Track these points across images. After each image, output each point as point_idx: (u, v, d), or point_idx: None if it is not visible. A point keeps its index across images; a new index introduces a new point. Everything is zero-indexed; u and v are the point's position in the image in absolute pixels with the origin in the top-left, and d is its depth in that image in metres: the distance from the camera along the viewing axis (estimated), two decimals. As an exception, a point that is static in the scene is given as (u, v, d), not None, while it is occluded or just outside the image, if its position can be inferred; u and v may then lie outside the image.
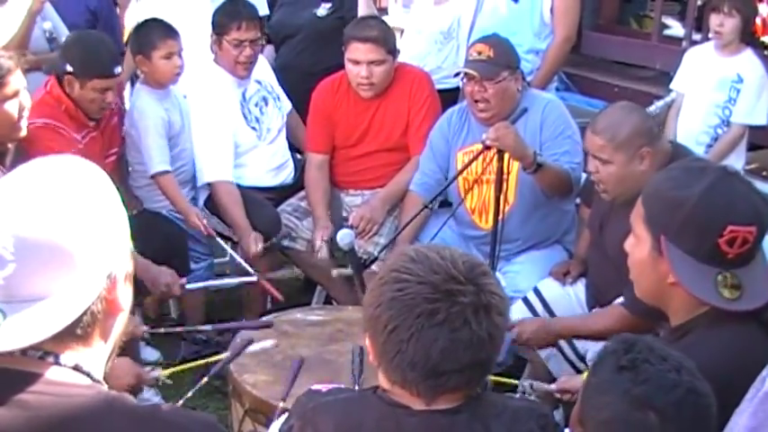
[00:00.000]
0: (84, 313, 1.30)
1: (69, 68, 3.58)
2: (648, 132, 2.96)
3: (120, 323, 1.41)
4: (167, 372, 3.01)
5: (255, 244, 3.83)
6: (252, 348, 2.98)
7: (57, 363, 1.31)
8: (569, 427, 1.76)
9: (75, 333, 1.31)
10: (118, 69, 3.61)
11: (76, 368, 1.32)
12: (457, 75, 3.75)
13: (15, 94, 3.12)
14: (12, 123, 3.13)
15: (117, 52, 3.75)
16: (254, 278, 3.55)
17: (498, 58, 3.59)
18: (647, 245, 1.97)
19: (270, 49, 5.00)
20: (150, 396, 3.56)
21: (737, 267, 1.89)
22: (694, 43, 5.09)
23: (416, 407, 1.55)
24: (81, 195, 1.33)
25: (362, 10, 4.83)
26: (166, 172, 3.92)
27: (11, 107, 3.11)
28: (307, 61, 4.82)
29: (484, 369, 1.57)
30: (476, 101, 3.64)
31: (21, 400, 1.27)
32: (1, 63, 3.07)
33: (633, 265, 2.05)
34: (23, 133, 3.19)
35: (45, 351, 1.31)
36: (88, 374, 1.34)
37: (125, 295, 1.38)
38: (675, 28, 6.27)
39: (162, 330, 3.39)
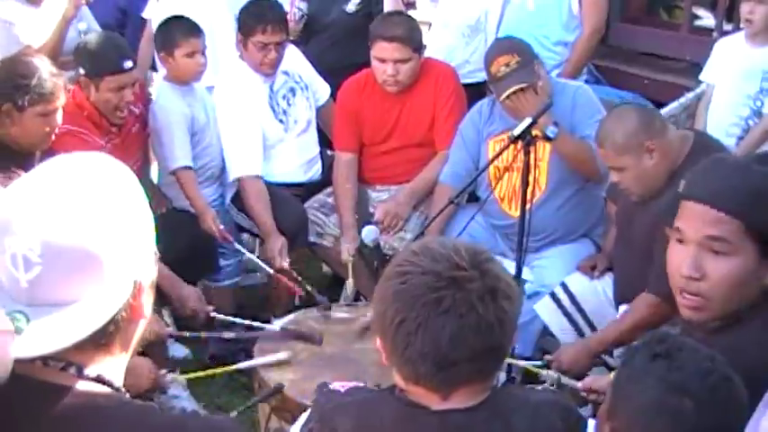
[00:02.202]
0: (110, 321, 1.28)
1: (82, 71, 3.61)
2: (646, 127, 2.96)
3: (141, 329, 1.39)
4: (184, 377, 3.04)
5: (281, 256, 3.82)
6: (266, 360, 2.99)
7: (80, 374, 1.29)
8: (597, 423, 1.73)
9: (99, 342, 1.29)
10: (128, 64, 3.60)
11: (99, 379, 1.30)
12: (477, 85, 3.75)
13: (55, 111, 3.19)
14: (43, 136, 3.19)
15: (126, 48, 3.74)
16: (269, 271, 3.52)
17: (524, 57, 3.58)
18: (749, 254, 1.81)
19: None
20: (179, 392, 3.57)
21: None
22: (725, 34, 5.00)
23: (435, 406, 1.54)
24: (110, 197, 1.31)
25: (389, 5, 4.81)
26: (188, 168, 3.92)
27: (48, 122, 3.18)
28: (336, 57, 4.79)
29: (496, 356, 1.54)
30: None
31: (44, 413, 1.26)
32: (47, 79, 3.13)
33: (725, 281, 1.83)
34: (49, 145, 3.24)
35: (68, 362, 1.29)
36: (110, 384, 1.32)
37: (148, 302, 1.36)
38: (706, 18, 6.17)
39: (186, 334, 3.40)
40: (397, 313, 1.49)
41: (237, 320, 3.51)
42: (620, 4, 6.64)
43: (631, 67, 5.98)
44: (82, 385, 1.29)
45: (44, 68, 3.15)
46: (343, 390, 1.71)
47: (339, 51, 4.83)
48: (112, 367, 1.34)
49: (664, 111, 4.81)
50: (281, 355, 2.98)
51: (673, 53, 5.84)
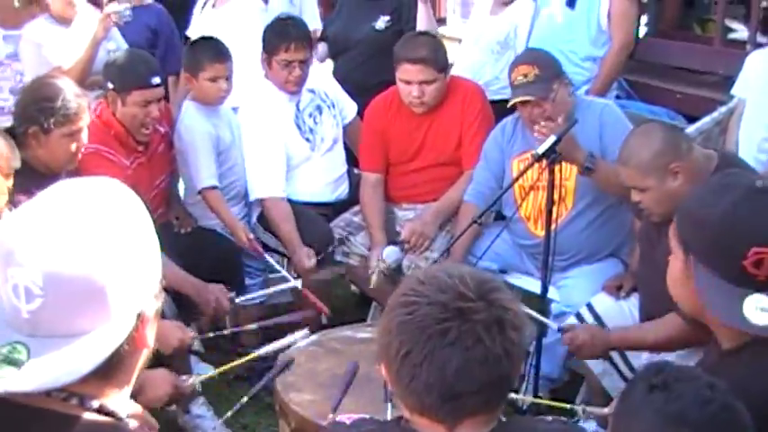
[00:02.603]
0: (113, 354, 1.26)
1: (110, 86, 3.64)
2: (672, 149, 2.88)
3: (143, 358, 1.38)
4: (202, 378, 3.03)
5: (308, 258, 3.82)
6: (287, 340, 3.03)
7: (82, 404, 1.28)
8: None
9: (101, 374, 1.27)
10: (156, 80, 3.63)
11: (102, 409, 1.29)
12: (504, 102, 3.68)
13: (80, 131, 3.23)
14: (69, 157, 3.24)
15: (155, 65, 3.78)
16: (297, 283, 3.50)
17: (545, 71, 3.55)
18: (680, 261, 1.90)
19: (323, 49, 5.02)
20: (203, 412, 3.57)
21: None
22: (759, 46, 4.93)
23: None
24: (115, 226, 1.28)
25: (423, 23, 4.77)
26: (214, 187, 3.93)
27: (73, 143, 3.22)
28: (365, 75, 4.79)
29: (503, 388, 1.51)
30: (533, 121, 3.57)
31: None
32: (71, 100, 3.18)
33: (669, 280, 1.97)
34: (75, 165, 3.29)
35: (69, 392, 1.27)
36: (113, 414, 1.31)
37: (152, 332, 1.35)
38: (740, 31, 6.10)
39: (209, 335, 3.44)
40: (402, 345, 1.47)
41: (262, 295, 3.67)
42: (653, 19, 6.59)
43: (664, 81, 5.93)
44: (85, 415, 1.28)
45: (68, 90, 3.19)
46: (348, 422, 1.68)
47: (368, 69, 4.83)
48: (115, 396, 1.33)
49: (695, 126, 4.76)
50: (300, 333, 3.03)
51: (705, 67, 5.78)
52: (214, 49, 3.96)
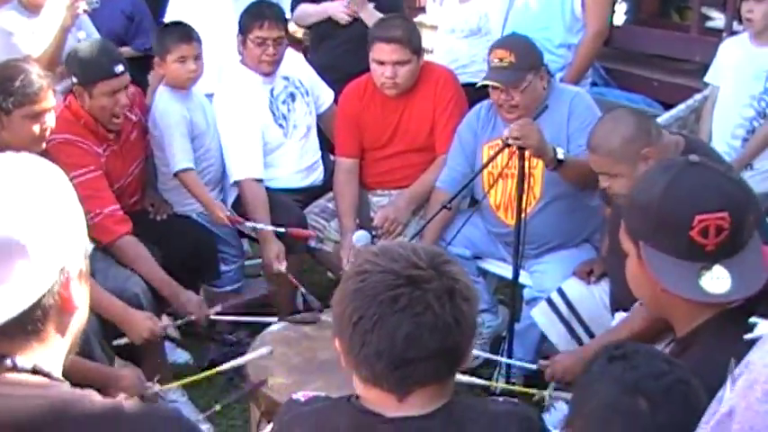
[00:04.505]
0: (36, 307, 1.28)
1: (74, 80, 3.61)
2: (643, 133, 2.89)
3: (78, 321, 1.39)
4: (172, 385, 3.14)
5: (278, 260, 3.82)
6: (248, 357, 3.02)
7: (13, 366, 1.29)
8: None
9: (27, 329, 1.30)
10: (119, 68, 3.59)
11: (35, 370, 1.31)
12: (482, 86, 3.65)
13: (43, 113, 3.18)
14: (32, 139, 3.18)
15: (116, 52, 3.76)
16: (275, 319, 3.52)
17: (521, 61, 3.53)
18: (633, 256, 1.92)
19: None
20: (177, 397, 3.59)
21: (724, 258, 1.81)
22: (735, 34, 4.95)
23: (390, 413, 1.53)
24: (34, 191, 1.31)
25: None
26: (190, 169, 3.93)
27: (35, 125, 3.17)
28: (348, 62, 4.78)
29: (452, 357, 1.52)
30: (501, 106, 3.59)
31: None
32: (34, 80, 3.14)
33: (629, 280, 1.99)
34: (41, 148, 3.23)
35: (1, 354, 1.29)
36: (48, 375, 1.32)
37: (80, 293, 1.36)
38: (717, 20, 6.13)
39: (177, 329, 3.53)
40: (354, 311, 1.49)
41: (240, 319, 3.58)
42: (632, 7, 6.62)
43: (641, 69, 5.97)
44: (16, 375, 1.29)
45: (31, 71, 3.15)
46: (303, 399, 1.70)
47: (352, 56, 4.80)
48: (48, 357, 1.34)
49: (671, 113, 4.79)
50: (263, 350, 3.00)
51: (683, 55, 5.82)
52: (179, 31, 3.96)
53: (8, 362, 1.29)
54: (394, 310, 1.46)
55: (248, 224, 3.94)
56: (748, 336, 1.65)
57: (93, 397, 1.33)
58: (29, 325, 1.30)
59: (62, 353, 1.38)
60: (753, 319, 1.77)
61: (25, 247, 1.26)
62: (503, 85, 3.53)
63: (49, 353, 1.35)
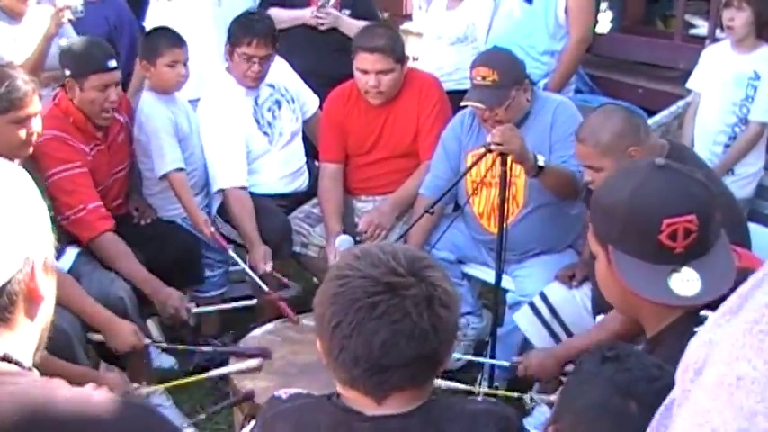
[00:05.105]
0: (1, 294, 1.30)
1: (67, 72, 3.64)
2: (633, 131, 2.92)
3: (45, 312, 1.41)
4: (157, 387, 3.16)
5: (264, 261, 3.83)
6: (238, 367, 3.05)
7: None
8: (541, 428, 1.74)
9: None
10: (112, 63, 3.63)
11: (5, 358, 1.32)
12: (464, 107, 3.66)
13: (28, 118, 3.19)
14: (19, 144, 3.19)
15: (110, 48, 3.79)
16: (254, 302, 3.52)
17: (504, 78, 3.51)
18: (602, 259, 1.94)
19: None
20: (162, 401, 3.59)
21: (693, 260, 1.82)
22: (717, 41, 5.00)
23: (368, 411, 1.54)
24: None
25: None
26: (180, 170, 3.95)
27: (22, 130, 3.18)
28: (331, 68, 4.79)
29: (430, 364, 1.54)
30: (485, 120, 3.61)
31: None
32: (19, 86, 3.15)
33: (599, 282, 2.01)
34: (29, 152, 3.25)
35: None
36: (18, 363, 1.34)
37: (45, 284, 1.38)
38: (701, 27, 6.18)
39: (164, 345, 3.58)
40: (333, 316, 1.51)
41: (220, 307, 3.61)
42: (617, 15, 6.67)
43: (626, 76, 6.00)
44: None
45: (16, 76, 3.16)
46: (285, 396, 1.72)
47: (333, 63, 4.82)
48: (18, 345, 1.36)
49: (654, 119, 4.82)
50: (252, 363, 3.01)
51: (666, 62, 5.85)
52: (170, 36, 3.98)
53: None
54: (372, 317, 1.47)
55: (231, 252, 3.94)
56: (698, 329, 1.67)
57: (63, 387, 1.34)
58: None
59: (32, 343, 1.40)
60: (703, 313, 1.77)
61: None
62: (486, 105, 3.52)
63: (19, 341, 1.36)
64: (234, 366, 3.04)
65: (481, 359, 3.35)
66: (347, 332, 1.49)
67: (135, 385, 2.97)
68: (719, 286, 1.78)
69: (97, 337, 3.29)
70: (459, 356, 3.39)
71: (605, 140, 2.91)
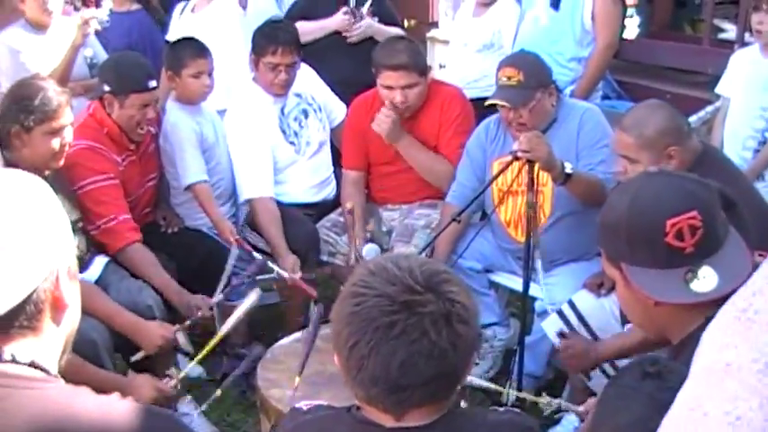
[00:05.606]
0: (28, 302, 1.33)
1: (107, 88, 3.68)
2: (676, 131, 2.90)
3: (70, 319, 1.43)
4: (182, 375, 3.14)
5: (293, 271, 3.82)
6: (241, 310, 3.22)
7: (12, 359, 1.33)
8: None
9: (23, 324, 1.34)
10: (152, 83, 3.69)
11: (32, 364, 1.34)
12: (491, 105, 3.63)
13: (62, 129, 3.25)
14: (52, 155, 3.26)
15: (151, 68, 3.82)
16: (276, 300, 3.52)
17: (529, 79, 3.51)
18: (619, 281, 1.91)
19: None
20: (189, 410, 3.60)
21: (706, 258, 1.80)
22: (746, 46, 4.95)
23: (388, 424, 1.53)
24: (18, 201, 1.36)
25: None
26: (204, 182, 3.97)
27: (55, 141, 3.24)
28: (358, 76, 4.79)
29: (449, 381, 1.51)
30: (509, 123, 3.59)
31: None
32: (52, 98, 3.22)
33: (623, 307, 2.00)
34: (60, 163, 3.31)
35: None
36: (45, 370, 1.36)
37: (70, 292, 1.40)
38: (730, 31, 6.12)
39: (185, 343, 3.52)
40: (350, 336, 1.48)
41: (243, 305, 3.59)
42: (645, 20, 6.62)
43: (654, 81, 5.95)
44: (15, 369, 1.33)
45: (48, 88, 3.23)
46: (305, 408, 1.71)
47: (360, 71, 4.82)
48: (43, 352, 1.38)
49: (682, 125, 4.78)
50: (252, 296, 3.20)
51: (695, 67, 5.79)
52: (194, 46, 4.02)
53: (7, 356, 1.33)
54: (389, 338, 1.44)
55: (255, 254, 3.92)
56: None
57: (87, 394, 1.36)
58: (23, 320, 1.34)
59: (57, 349, 1.42)
60: None
61: (11, 249, 1.31)
62: (510, 104, 3.52)
63: (45, 348, 1.39)
64: (239, 311, 3.22)
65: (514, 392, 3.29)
66: (365, 352, 1.46)
67: (165, 379, 2.99)
68: (736, 278, 1.76)
69: (139, 355, 3.31)
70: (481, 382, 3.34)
71: (648, 134, 2.90)
